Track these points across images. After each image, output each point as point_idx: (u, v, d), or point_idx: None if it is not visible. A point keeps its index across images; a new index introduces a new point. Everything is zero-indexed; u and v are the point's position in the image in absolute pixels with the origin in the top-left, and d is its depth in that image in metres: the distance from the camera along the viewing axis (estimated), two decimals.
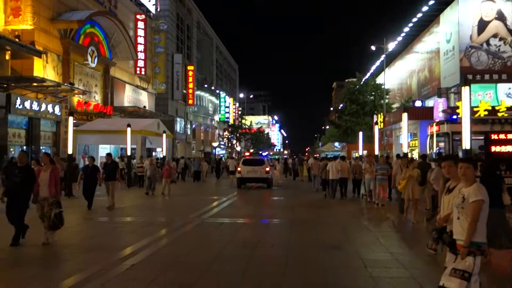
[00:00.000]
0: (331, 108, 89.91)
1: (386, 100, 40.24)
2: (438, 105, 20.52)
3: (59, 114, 28.95)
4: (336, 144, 61.09)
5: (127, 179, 21.94)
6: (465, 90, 10.49)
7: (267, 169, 22.72)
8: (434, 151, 14.67)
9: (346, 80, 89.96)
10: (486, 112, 16.79)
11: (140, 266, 6.84)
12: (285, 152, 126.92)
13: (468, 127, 10.22)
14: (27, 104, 24.40)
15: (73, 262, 7.17)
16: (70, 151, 18.19)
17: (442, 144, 14.87)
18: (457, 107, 16.43)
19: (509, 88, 34.65)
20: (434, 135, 14.75)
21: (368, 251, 7.79)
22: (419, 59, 47.15)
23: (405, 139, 15.31)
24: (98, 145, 27.29)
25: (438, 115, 19.35)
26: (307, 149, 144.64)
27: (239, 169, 22.94)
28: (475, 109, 20.37)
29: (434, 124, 15.01)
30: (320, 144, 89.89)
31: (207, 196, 18.91)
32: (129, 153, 21.31)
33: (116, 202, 14.17)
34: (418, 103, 32.88)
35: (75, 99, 30.93)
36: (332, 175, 16.85)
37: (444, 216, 4.45)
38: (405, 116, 15.30)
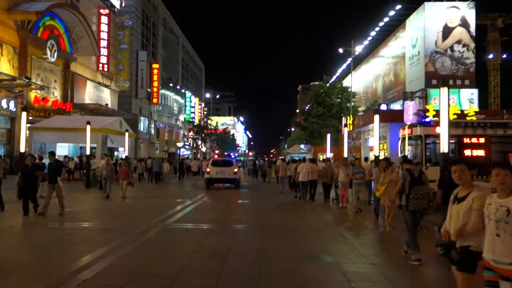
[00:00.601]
0: (297, 111, 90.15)
1: (353, 103, 40.27)
2: (408, 108, 20.38)
3: (14, 110, 27.37)
4: (302, 146, 61.08)
5: (86, 179, 20.67)
6: (443, 91, 10.17)
7: (235, 170, 23.19)
8: (406, 154, 14.35)
9: (312, 83, 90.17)
10: (455, 116, 16.78)
11: (94, 281, 5.99)
12: (250, 153, 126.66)
13: (446, 129, 9.89)
14: None
15: (15, 279, 6.19)
16: (22, 149, 16.92)
17: (412, 148, 14.56)
18: (427, 110, 16.23)
19: (472, 94, 35.35)
20: (406, 138, 14.43)
21: (347, 262, 7.21)
22: (385, 63, 47.68)
23: (377, 142, 14.93)
24: (56, 143, 25.83)
25: (408, 118, 19.24)
26: (272, 151, 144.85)
27: (208, 169, 23.21)
28: None
29: (406, 126, 14.67)
30: (286, 146, 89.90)
31: (170, 199, 17.79)
32: (88, 152, 20.01)
33: (70, 205, 13.07)
34: (383, 107, 33.06)
35: (32, 94, 29.38)
36: (302, 177, 16.59)
37: (458, 229, 3.81)
38: (376, 118, 14.91)
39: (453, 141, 13.35)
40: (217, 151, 77.27)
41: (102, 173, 17.08)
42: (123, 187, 16.89)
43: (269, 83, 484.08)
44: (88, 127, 19.09)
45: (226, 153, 35.81)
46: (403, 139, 14.68)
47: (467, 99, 34.47)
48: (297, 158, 28.27)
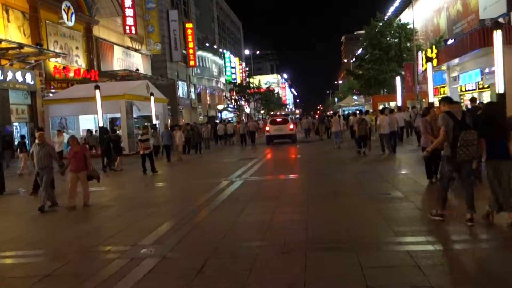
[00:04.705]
0: (345, 60, 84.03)
1: (416, 42, 34.42)
2: None
3: (32, 83, 24.23)
4: (355, 97, 55.81)
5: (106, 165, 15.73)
6: None
7: (291, 126, 25.50)
8: None
9: (356, 33, 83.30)
10: None
11: None
12: (297, 111, 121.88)
13: None
14: None
15: None
16: None
17: None
18: None
19: None
20: None
21: None
22: None
23: (501, 72, 10.00)
24: (78, 115, 22.32)
25: None
26: (319, 107, 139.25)
27: (267, 128, 25.99)
28: None
29: None
30: (336, 100, 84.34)
31: (199, 180, 12.37)
32: (100, 123, 15.60)
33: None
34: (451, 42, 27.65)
35: (51, 64, 26.06)
36: (383, 130, 15.68)
37: None
38: (498, 34, 9.93)
39: None
40: (262, 111, 73.20)
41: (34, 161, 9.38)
42: (83, 184, 9.30)
43: (311, 37, 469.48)
44: (98, 92, 14.65)
45: (278, 113, 36.91)
46: None
47: None
48: (349, 112, 26.84)
